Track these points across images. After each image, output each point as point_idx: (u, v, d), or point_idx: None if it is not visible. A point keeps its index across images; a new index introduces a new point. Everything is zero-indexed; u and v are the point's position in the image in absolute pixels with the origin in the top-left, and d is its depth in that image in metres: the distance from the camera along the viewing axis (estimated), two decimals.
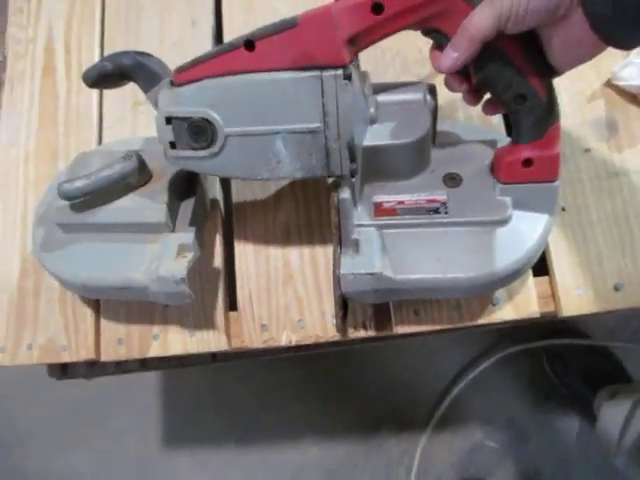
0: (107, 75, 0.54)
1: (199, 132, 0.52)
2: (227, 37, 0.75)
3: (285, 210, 0.67)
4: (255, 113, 0.51)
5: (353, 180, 0.53)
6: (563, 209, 0.63)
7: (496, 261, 0.52)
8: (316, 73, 0.49)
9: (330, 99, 0.49)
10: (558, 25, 0.44)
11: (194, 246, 0.57)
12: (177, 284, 0.55)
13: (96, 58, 0.77)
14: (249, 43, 0.49)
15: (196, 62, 0.51)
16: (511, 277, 0.54)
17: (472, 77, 0.50)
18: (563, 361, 1.27)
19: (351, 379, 1.39)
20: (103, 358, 0.68)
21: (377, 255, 0.53)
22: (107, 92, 0.76)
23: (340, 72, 0.48)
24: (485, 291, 0.58)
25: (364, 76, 0.55)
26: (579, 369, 1.25)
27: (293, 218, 0.67)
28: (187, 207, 0.60)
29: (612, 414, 1.13)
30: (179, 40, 0.76)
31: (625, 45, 0.44)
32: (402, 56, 0.71)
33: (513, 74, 0.48)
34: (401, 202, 0.55)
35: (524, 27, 0.45)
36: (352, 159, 0.51)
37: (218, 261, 0.67)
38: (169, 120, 0.52)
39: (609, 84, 0.66)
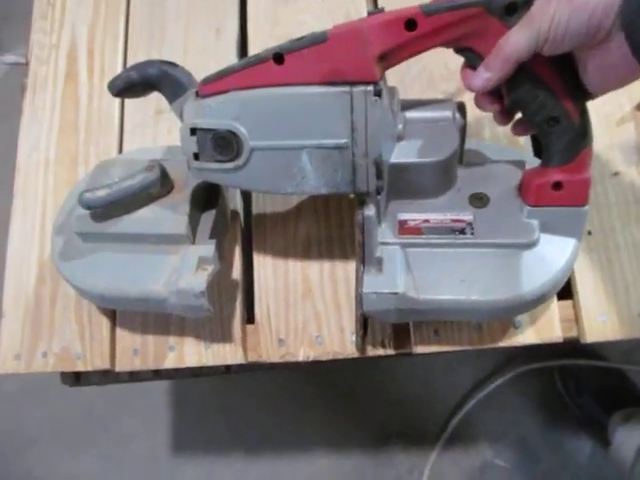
0: (133, 85, 0.53)
1: (224, 144, 0.51)
2: (251, 48, 0.74)
3: (306, 223, 0.67)
4: (282, 127, 0.50)
5: (379, 197, 0.52)
6: (589, 233, 0.62)
7: (521, 285, 0.51)
8: (346, 89, 0.48)
9: (359, 115, 0.48)
10: (596, 49, 0.43)
11: (214, 259, 0.57)
12: (196, 297, 0.54)
13: (119, 66, 0.77)
14: (278, 56, 0.48)
15: (222, 74, 0.51)
16: (536, 302, 0.53)
17: (504, 97, 0.49)
18: (577, 381, 1.25)
19: (362, 391, 1.38)
20: (118, 368, 0.67)
21: (400, 274, 0.52)
22: (129, 99, 0.75)
23: (370, 88, 0.48)
24: (509, 315, 0.57)
25: (392, 92, 0.54)
26: (593, 390, 1.23)
27: (314, 232, 0.66)
28: (208, 219, 0.60)
29: (627, 438, 1.11)
30: (203, 49, 0.75)
31: None
32: (428, 71, 0.70)
33: (546, 96, 0.47)
34: (426, 221, 0.54)
35: (561, 50, 0.44)
36: (379, 176, 0.50)
37: (237, 273, 0.67)
38: (194, 131, 0.52)
39: (639, 108, 0.65)
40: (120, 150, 0.75)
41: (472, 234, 0.53)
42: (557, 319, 0.60)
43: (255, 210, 0.68)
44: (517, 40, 0.44)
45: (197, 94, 0.53)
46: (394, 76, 0.69)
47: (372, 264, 0.53)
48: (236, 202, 0.69)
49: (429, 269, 0.53)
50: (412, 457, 1.33)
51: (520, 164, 0.56)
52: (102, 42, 0.79)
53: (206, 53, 0.75)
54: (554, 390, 1.30)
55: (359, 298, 0.52)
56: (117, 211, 0.58)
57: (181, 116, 0.53)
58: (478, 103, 0.51)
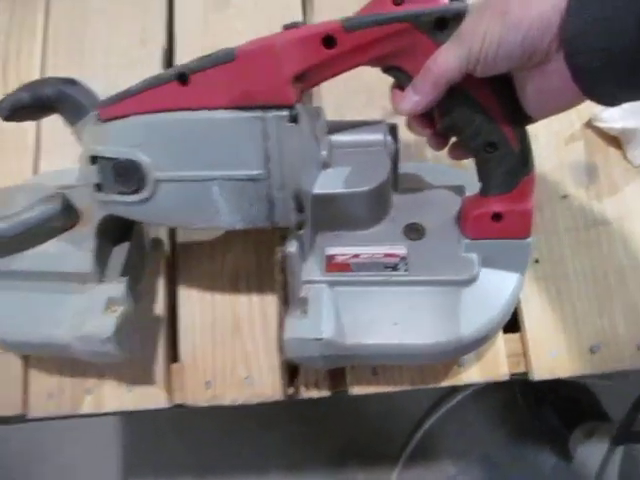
0: (23, 107, 0.47)
1: (126, 175, 0.45)
2: (179, 59, 0.68)
3: (234, 254, 0.61)
4: (189, 156, 0.45)
5: (301, 233, 0.46)
6: (537, 261, 0.57)
7: (461, 326, 0.47)
8: (258, 114, 0.43)
9: (273, 143, 0.43)
10: (534, 71, 0.38)
11: (126, 299, 0.51)
12: (103, 343, 0.48)
13: None
14: (182, 76, 0.43)
15: (123, 95, 0.45)
16: (478, 343, 0.48)
17: (437, 121, 0.44)
18: (537, 395, 1.22)
19: (320, 408, 1.33)
20: (32, 414, 0.61)
21: (327, 317, 0.47)
22: None
23: (285, 113, 0.42)
24: (448, 359, 0.53)
25: (317, 113, 0.49)
26: (554, 404, 1.19)
27: (243, 263, 0.61)
28: (121, 252, 0.54)
29: (589, 454, 1.08)
30: (126, 61, 0.69)
31: (609, 102, 0.39)
32: (367, 86, 0.65)
33: (483, 120, 0.42)
34: (356, 256, 0.49)
35: (495, 71, 0.39)
36: (299, 210, 0.45)
37: (160, 308, 0.61)
38: (94, 160, 0.46)
39: (589, 125, 0.61)
40: (35, 171, 0.68)
41: (406, 270, 0.48)
42: (503, 354, 0.56)
43: (180, 239, 0.62)
44: (446, 60, 0.40)
45: (99, 117, 0.47)
46: (329, 91, 0.64)
47: (296, 305, 0.48)
48: (160, 229, 0.63)
49: (359, 310, 0.48)
50: (373, 476, 1.28)
51: (459, 190, 0.52)
52: (17, 56, 0.72)
53: (130, 65, 0.69)
54: (515, 404, 1.27)
55: (281, 344, 0.47)
56: (18, 246, 0.52)
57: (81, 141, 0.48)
58: (409, 126, 0.46)
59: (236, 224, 0.46)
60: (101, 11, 0.72)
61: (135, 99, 0.45)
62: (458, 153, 0.48)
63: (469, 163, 0.58)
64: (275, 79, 0.42)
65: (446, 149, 0.48)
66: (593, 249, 0.57)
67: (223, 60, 0.42)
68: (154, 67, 0.68)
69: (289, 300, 0.49)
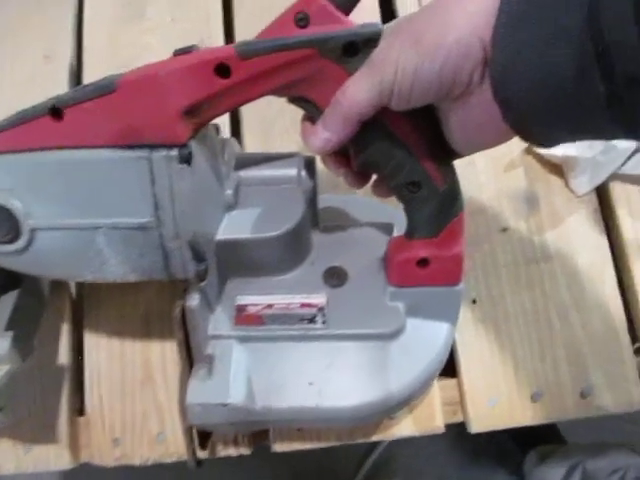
0: None
1: None
2: (87, 77, 0.62)
3: (147, 294, 0.55)
4: (67, 202, 0.39)
5: (203, 284, 0.41)
6: (474, 301, 0.53)
7: (385, 385, 0.42)
8: (143, 153, 0.37)
9: (163, 187, 0.37)
10: (457, 104, 0.34)
11: (10, 356, 0.45)
12: None
13: None
14: (56, 111, 0.37)
15: None
16: (405, 402, 0.44)
17: (352, 158, 0.39)
18: None
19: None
20: None
21: (234, 378, 0.42)
22: None
23: (175, 153, 0.37)
24: (373, 419, 0.48)
25: (224, 146, 0.44)
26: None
27: (155, 305, 0.55)
28: (7, 303, 0.48)
29: (544, 477, 1.05)
30: (30, 78, 0.63)
31: (546, 143, 0.34)
32: (292, 106, 0.59)
33: (403, 157, 0.37)
34: (269, 306, 0.44)
35: (412, 105, 0.34)
36: (199, 259, 0.40)
37: (64, 356, 0.55)
38: None
39: (530, 151, 0.56)
40: None
41: (324, 323, 0.43)
42: (438, 403, 0.51)
43: None
44: (357, 93, 0.34)
45: None
46: (252, 114, 0.59)
47: (201, 364, 0.43)
48: None
49: (271, 369, 0.43)
50: None
51: (388, 229, 0.47)
52: None
53: (33, 83, 0.63)
54: None
55: (183, 409, 0.41)
56: None
57: None
58: (324, 163, 0.41)
59: (127, 276, 0.41)
60: (5, 24, 0.66)
61: (5, 136, 0.38)
62: (383, 190, 0.43)
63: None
64: (161, 114, 0.36)
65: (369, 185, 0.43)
66: (534, 287, 0.53)
67: (102, 92, 0.36)
68: (60, 84, 0.62)
69: (194, 358, 0.43)
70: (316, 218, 0.47)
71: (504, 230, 0.54)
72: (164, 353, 0.54)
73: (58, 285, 0.56)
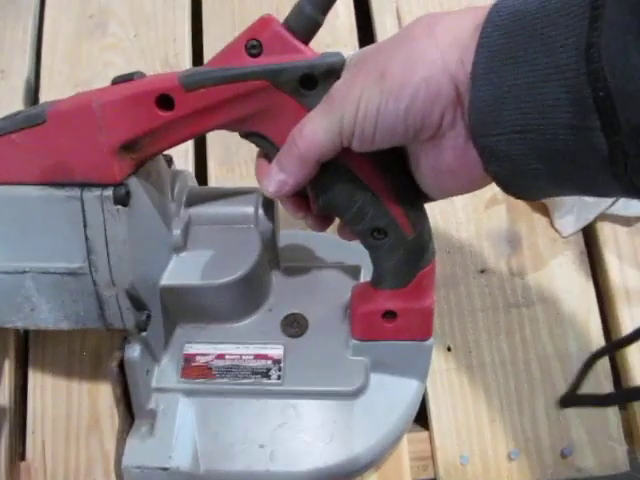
0: None
1: None
2: (44, 95, 0.58)
3: (96, 332, 0.51)
4: None
5: (144, 334, 0.37)
6: (449, 349, 0.49)
7: (348, 447, 0.38)
8: (75, 193, 0.33)
9: (96, 230, 0.33)
10: (427, 146, 0.30)
11: None
12: None
13: None
14: None
15: None
16: (361, 470, 0.40)
17: (312, 202, 0.35)
18: None
19: None
20: None
21: (178, 437, 0.38)
22: None
23: (109, 193, 0.33)
24: None
25: (174, 180, 0.40)
26: None
27: (106, 343, 0.51)
28: None
29: None
30: None
31: (533, 196, 0.30)
32: None
33: (367, 201, 0.34)
34: (220, 356, 0.40)
35: (376, 147, 0.30)
36: (139, 308, 0.36)
37: (5, 396, 0.50)
38: None
39: None
40: None
41: (279, 377, 0.39)
42: (407, 460, 0.47)
43: None
44: (314, 132, 0.31)
45: None
46: (214, 141, 0.55)
47: (142, 419, 0.39)
48: None
49: (219, 428, 0.39)
50: None
51: (354, 272, 0.43)
52: None
53: None
54: None
55: (119, 473, 0.37)
56: None
57: None
58: (282, 205, 0.37)
59: (60, 324, 0.37)
60: None
61: None
62: (348, 234, 0.39)
63: None
64: (94, 149, 0.32)
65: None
66: (514, 333, 0.49)
67: (32, 122, 0.32)
68: (15, 102, 0.58)
69: (135, 412, 0.39)
70: (276, 258, 0.43)
71: (482, 271, 0.51)
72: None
73: None
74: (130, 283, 0.35)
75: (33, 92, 0.59)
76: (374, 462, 0.40)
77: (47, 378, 0.51)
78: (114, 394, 0.38)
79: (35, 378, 0.51)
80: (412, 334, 0.39)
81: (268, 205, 0.40)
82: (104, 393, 0.50)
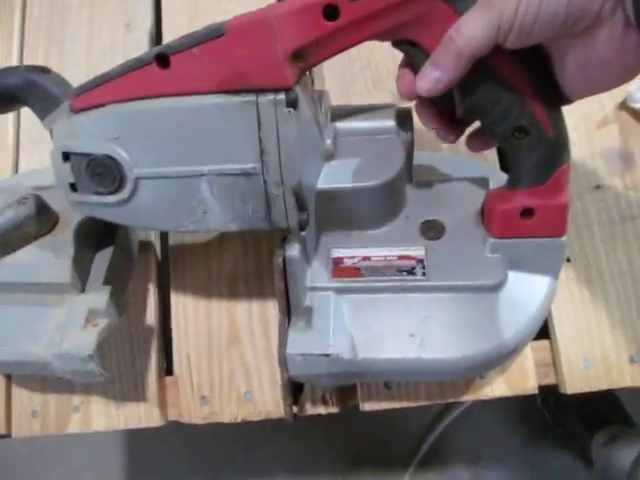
0: None
1: (102, 173, 0.40)
2: None
3: (231, 255, 0.56)
4: (172, 150, 0.39)
5: (303, 234, 0.41)
6: (568, 260, 0.51)
7: (486, 338, 0.41)
8: (250, 98, 0.37)
9: (269, 132, 0.37)
10: (577, 40, 0.32)
11: (109, 310, 0.45)
12: (84, 362, 0.43)
13: None
14: (162, 58, 0.37)
15: (98, 82, 0.39)
16: (504, 357, 0.43)
17: (457, 104, 0.38)
18: (558, 398, 1.15)
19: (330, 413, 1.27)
20: (15, 434, 0.56)
21: (334, 329, 0.41)
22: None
23: (282, 97, 0.36)
24: (472, 375, 0.47)
25: (320, 97, 0.43)
26: (575, 407, 1.13)
27: (241, 266, 0.55)
28: (103, 259, 0.48)
29: (613, 460, 1.02)
30: (110, 47, 0.64)
31: None
32: (374, 66, 0.59)
33: (511, 101, 0.36)
34: (366, 258, 0.43)
35: (531, 42, 0.33)
36: (301, 208, 0.40)
37: (151, 316, 0.55)
38: (67, 156, 0.40)
39: (624, 106, 0.54)
40: (16, 169, 0.63)
41: (423, 274, 0.42)
42: (531, 365, 0.50)
43: (172, 240, 0.57)
44: (472, 30, 0.33)
45: (71, 108, 0.41)
46: (332, 72, 0.59)
47: (299, 316, 0.42)
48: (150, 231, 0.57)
49: (371, 321, 0.42)
50: None
51: (483, 182, 0.46)
52: None
53: (113, 52, 0.64)
54: (533, 407, 1.21)
55: (283, 360, 0.41)
56: None
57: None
58: (418, 115, 0.40)
59: (229, 225, 0.41)
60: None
61: (111, 86, 0.39)
62: (478, 143, 0.42)
63: (490, 155, 0.53)
64: (270, 57, 0.36)
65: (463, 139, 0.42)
66: (630, 244, 0.51)
67: (210, 37, 0.36)
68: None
69: (291, 311, 0.43)
70: (410, 172, 0.46)
71: (597, 188, 0.53)
72: (251, 313, 0.54)
73: (145, 247, 0.56)
74: (297, 181, 0.38)
75: (155, 43, 0.64)
76: (518, 349, 0.42)
77: (187, 300, 0.55)
78: (277, 288, 0.42)
79: (177, 299, 0.56)
80: (548, 231, 0.41)
81: (407, 118, 0.44)
82: (242, 310, 0.54)
